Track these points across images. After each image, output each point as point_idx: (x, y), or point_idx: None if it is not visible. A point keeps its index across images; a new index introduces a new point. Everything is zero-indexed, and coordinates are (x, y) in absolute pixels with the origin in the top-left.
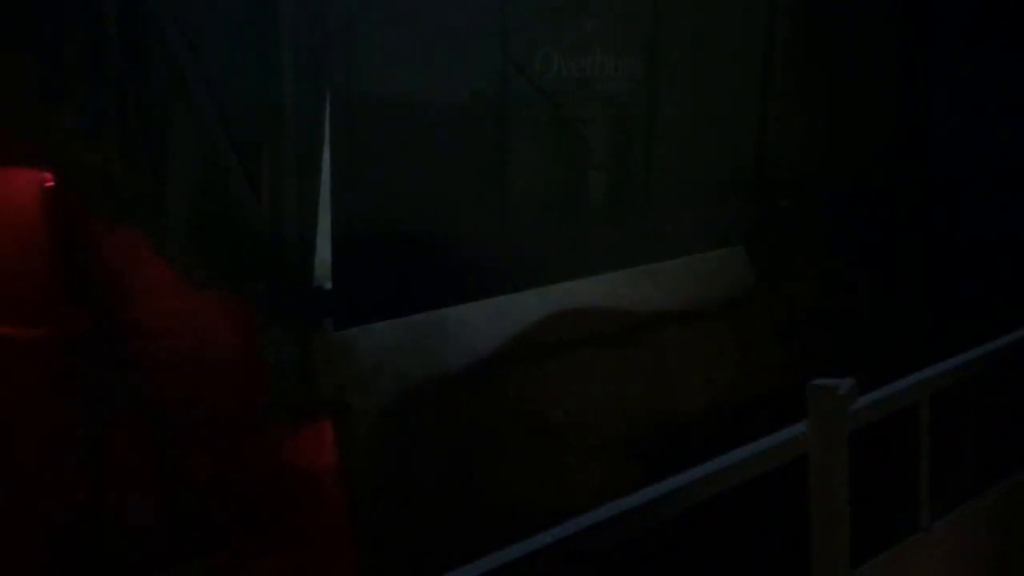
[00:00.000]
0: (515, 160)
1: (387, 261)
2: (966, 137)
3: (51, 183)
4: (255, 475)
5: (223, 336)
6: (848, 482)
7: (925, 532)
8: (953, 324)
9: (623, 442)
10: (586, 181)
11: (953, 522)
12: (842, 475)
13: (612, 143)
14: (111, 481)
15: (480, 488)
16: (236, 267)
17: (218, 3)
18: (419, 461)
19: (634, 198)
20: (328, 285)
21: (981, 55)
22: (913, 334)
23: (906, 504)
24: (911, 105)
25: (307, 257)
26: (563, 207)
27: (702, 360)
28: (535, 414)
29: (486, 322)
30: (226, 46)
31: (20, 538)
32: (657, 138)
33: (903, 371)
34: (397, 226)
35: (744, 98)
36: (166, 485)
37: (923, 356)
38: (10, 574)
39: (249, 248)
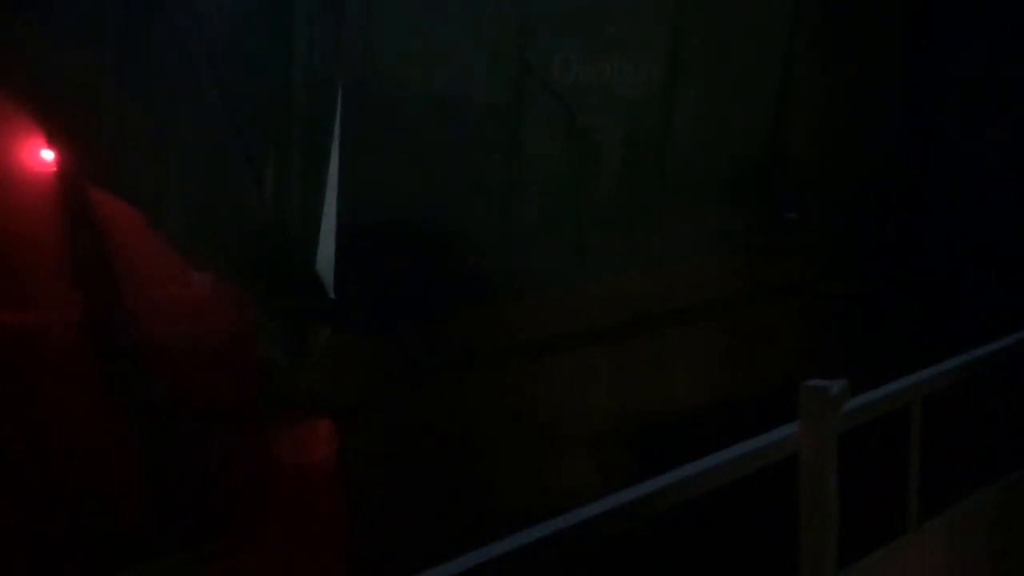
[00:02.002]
0: (527, 165)
1: (393, 268)
2: (967, 139)
3: (51, 168)
4: (245, 470)
5: (219, 333)
6: (838, 482)
7: (913, 533)
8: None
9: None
10: (600, 186)
11: (941, 524)
12: (832, 475)
13: (628, 148)
14: (101, 472)
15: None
16: (237, 265)
17: None
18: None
19: (648, 204)
20: (331, 293)
21: (984, 61)
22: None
23: (896, 505)
24: (916, 112)
25: (310, 260)
26: (574, 212)
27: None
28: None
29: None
30: (236, 34)
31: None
32: (673, 144)
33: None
34: (404, 233)
35: (760, 107)
36: (156, 475)
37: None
38: None
39: (251, 246)
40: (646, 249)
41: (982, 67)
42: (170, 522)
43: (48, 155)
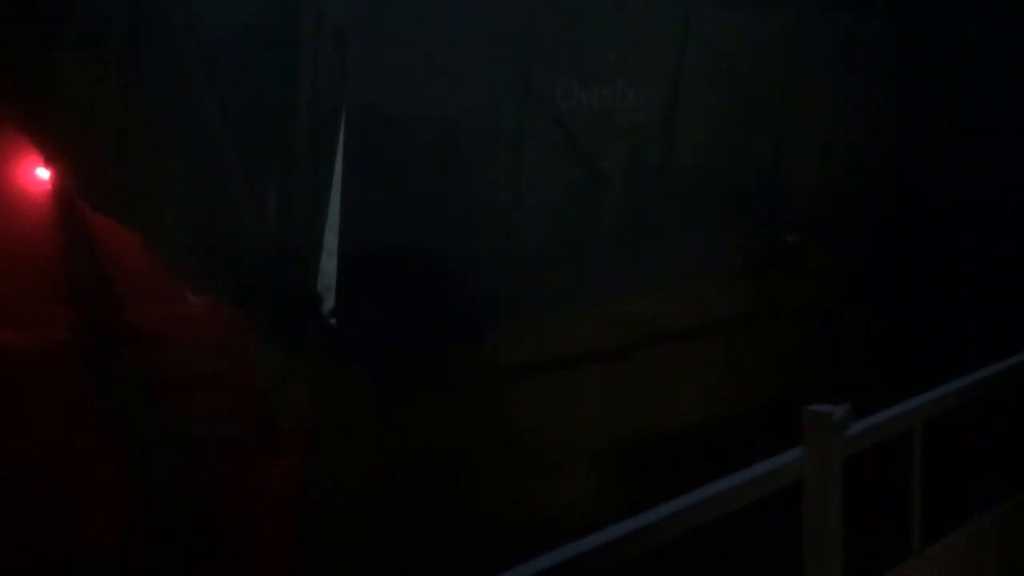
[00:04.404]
0: (530, 190)
1: (394, 293)
2: (958, 168)
3: (48, 187)
4: (240, 494)
5: (216, 355)
6: (842, 507)
7: (917, 557)
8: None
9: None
10: (602, 211)
11: (945, 547)
12: (837, 500)
13: (631, 172)
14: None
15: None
16: (237, 288)
17: (235, 15)
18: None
19: (650, 228)
20: (332, 317)
21: (981, 86)
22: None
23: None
24: (909, 140)
25: (311, 284)
26: (577, 237)
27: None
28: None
29: None
30: (240, 57)
31: None
32: (675, 168)
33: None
34: (406, 259)
35: (761, 131)
36: (148, 499)
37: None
38: None
39: (252, 269)
40: (649, 272)
41: (979, 91)
42: (162, 548)
43: (45, 174)
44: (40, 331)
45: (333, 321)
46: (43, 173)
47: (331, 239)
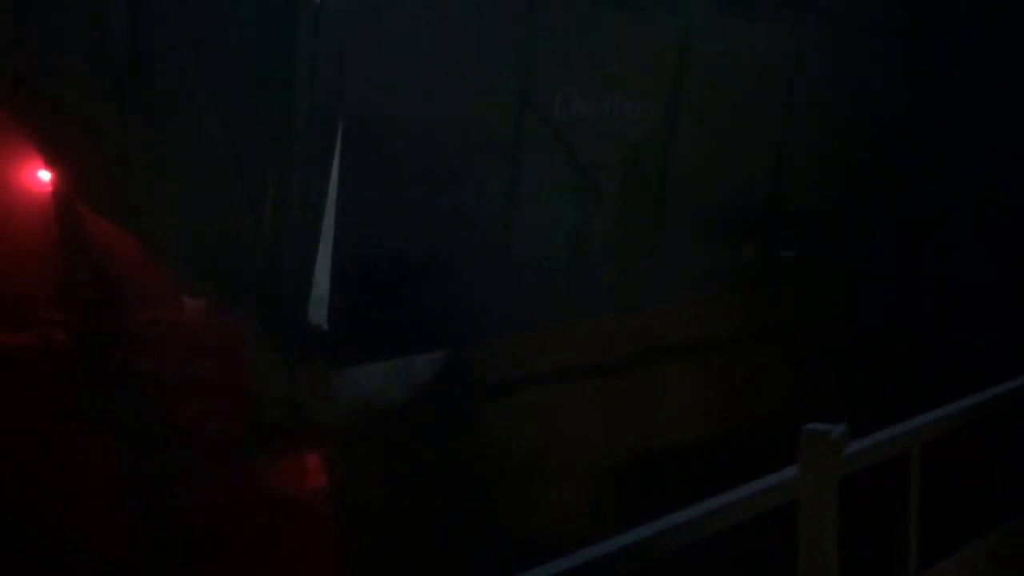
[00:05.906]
0: (527, 200)
1: (389, 303)
2: (961, 182)
3: (48, 190)
4: (235, 500)
5: (212, 362)
6: (838, 527)
7: None
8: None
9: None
10: (599, 223)
11: (942, 571)
12: (832, 520)
13: (628, 184)
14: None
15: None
16: (233, 296)
17: (234, 27)
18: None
19: (646, 241)
20: (324, 325)
21: (981, 106)
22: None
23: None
24: (910, 153)
25: (305, 292)
26: (573, 248)
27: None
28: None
29: None
30: (239, 70)
31: None
32: (672, 181)
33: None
34: (401, 268)
35: (759, 146)
36: (143, 504)
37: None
38: None
39: (248, 277)
40: (645, 286)
41: (979, 110)
42: (155, 551)
43: (46, 176)
44: (37, 333)
45: (326, 327)
46: (44, 176)
47: (326, 245)
